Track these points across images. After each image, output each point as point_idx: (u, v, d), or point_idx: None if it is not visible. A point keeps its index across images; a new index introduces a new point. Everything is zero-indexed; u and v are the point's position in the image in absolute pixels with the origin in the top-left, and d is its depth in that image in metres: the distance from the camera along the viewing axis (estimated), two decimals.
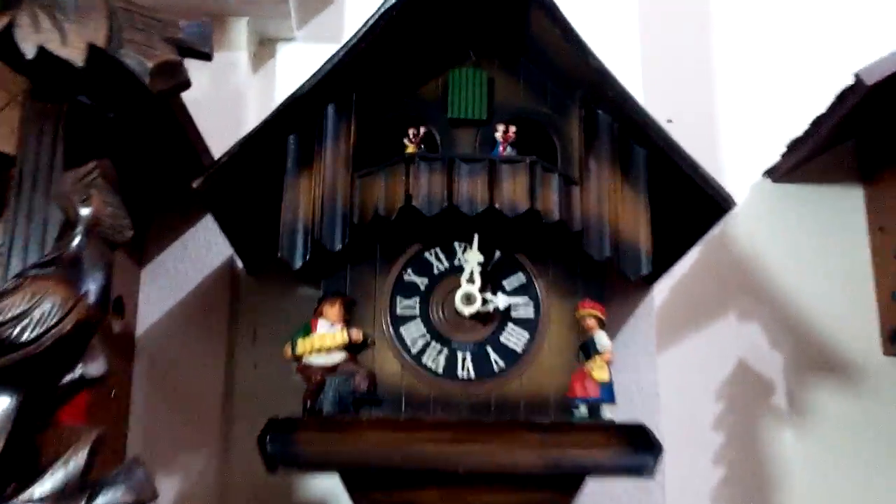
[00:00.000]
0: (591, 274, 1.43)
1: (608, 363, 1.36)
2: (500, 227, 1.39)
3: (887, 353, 1.75)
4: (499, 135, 1.41)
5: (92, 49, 1.13)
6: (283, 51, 1.81)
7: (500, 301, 1.38)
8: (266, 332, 1.64)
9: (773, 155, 1.82)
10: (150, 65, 1.14)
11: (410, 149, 1.40)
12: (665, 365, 1.72)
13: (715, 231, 1.42)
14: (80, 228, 1.16)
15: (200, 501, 1.56)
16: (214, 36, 1.67)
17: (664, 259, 1.46)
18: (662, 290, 1.80)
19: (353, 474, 1.29)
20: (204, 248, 1.67)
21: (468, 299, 1.37)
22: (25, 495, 1.05)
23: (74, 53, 1.13)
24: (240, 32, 1.75)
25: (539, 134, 1.45)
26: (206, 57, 1.19)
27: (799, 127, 1.73)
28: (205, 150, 1.53)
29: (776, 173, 1.85)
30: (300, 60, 1.80)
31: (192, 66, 1.27)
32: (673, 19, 1.96)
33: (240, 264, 1.63)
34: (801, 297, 1.79)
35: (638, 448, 1.28)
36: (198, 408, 1.59)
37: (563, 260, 1.43)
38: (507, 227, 1.38)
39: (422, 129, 1.41)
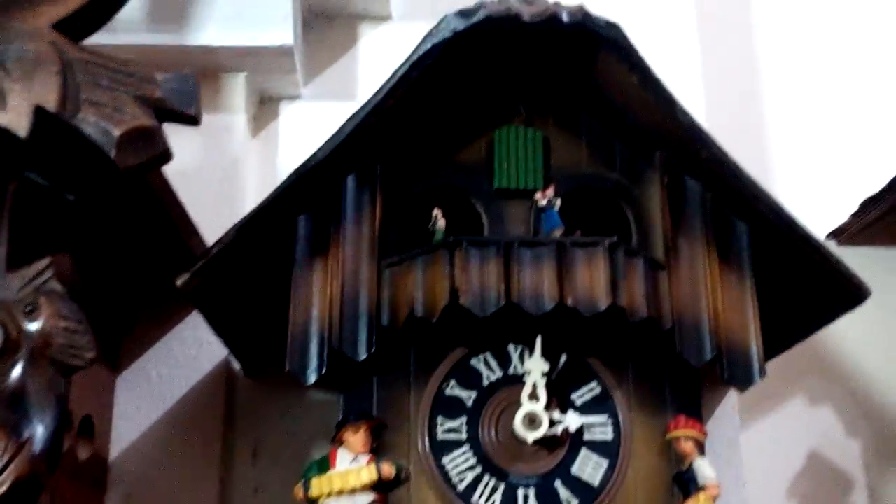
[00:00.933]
0: (684, 382, 1.17)
1: (714, 499, 1.10)
2: (565, 325, 1.13)
3: None
4: (556, 202, 1.18)
5: (39, 114, 0.88)
6: (287, 111, 1.63)
7: (572, 421, 1.12)
8: (269, 447, 1.43)
9: (835, 214, 1.64)
10: (116, 133, 0.89)
11: (438, 234, 1.18)
12: None
13: None
14: (23, 351, 0.91)
15: None
16: (206, 95, 1.54)
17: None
18: None
19: None
20: (193, 349, 1.45)
21: (532, 422, 1.10)
22: None
23: (17, 120, 0.88)
24: (236, 90, 1.55)
25: (601, 205, 1.22)
26: (192, 120, 0.94)
27: (862, 183, 1.58)
28: (193, 232, 1.29)
29: (843, 235, 1.64)
30: (307, 122, 1.61)
31: (178, 131, 1.06)
32: (726, 74, 1.77)
33: (237, 365, 1.43)
34: (879, 376, 1.62)
35: None
36: None
37: (646, 364, 1.17)
38: (576, 324, 1.12)
39: (438, 212, 1.18)
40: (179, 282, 1.09)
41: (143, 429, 1.40)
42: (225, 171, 1.51)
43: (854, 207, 1.59)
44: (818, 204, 1.66)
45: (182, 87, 0.92)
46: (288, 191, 1.13)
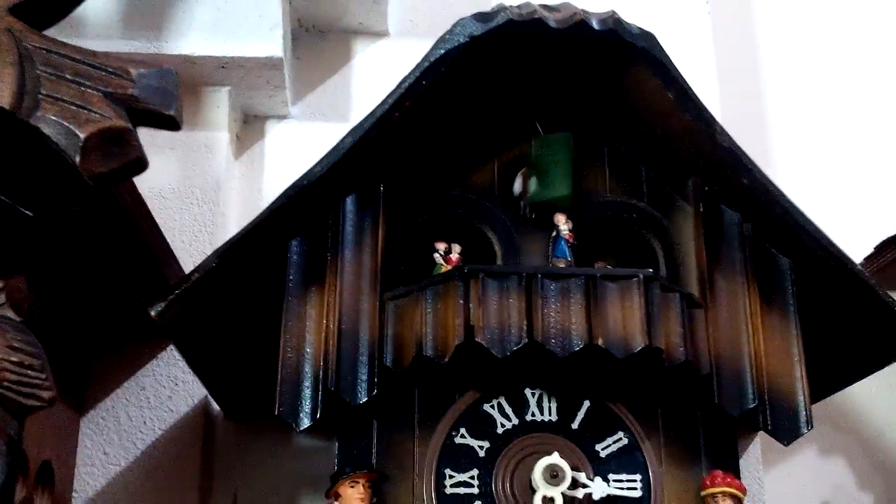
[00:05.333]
0: (719, 432, 1.06)
1: None
2: (589, 366, 1.03)
3: None
4: (563, 228, 1.07)
5: None
6: (274, 131, 1.53)
7: (598, 489, 1.01)
8: (251, 497, 1.34)
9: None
10: (82, 135, 0.75)
11: (437, 270, 1.08)
12: None
13: None
14: None
15: None
16: (186, 110, 1.40)
17: None
18: None
19: None
20: (167, 388, 1.34)
21: (554, 476, 0.98)
22: None
23: None
24: (219, 106, 1.45)
25: (624, 237, 1.13)
26: (171, 123, 0.81)
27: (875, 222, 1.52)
28: (170, 259, 1.17)
29: None
30: (295, 144, 1.52)
31: (152, 148, 0.96)
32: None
33: (216, 406, 1.32)
34: (890, 429, 1.54)
35: None
36: None
37: (678, 412, 1.06)
38: (602, 366, 1.02)
39: (455, 248, 1.09)
40: (154, 311, 0.97)
41: (110, 476, 1.31)
42: (205, 194, 1.40)
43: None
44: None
45: (160, 84, 0.80)
46: (279, 211, 1.02)
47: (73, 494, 1.28)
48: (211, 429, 1.36)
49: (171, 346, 1.32)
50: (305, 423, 0.99)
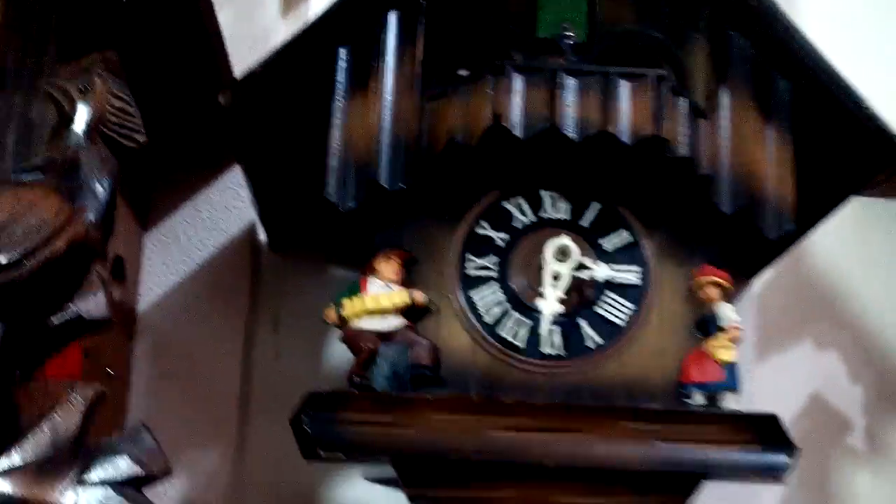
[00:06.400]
0: (713, 234, 1.16)
1: (734, 341, 1.12)
2: (599, 167, 1.15)
3: None
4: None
5: None
6: None
7: (601, 271, 1.13)
8: (290, 318, 1.43)
9: None
10: None
11: None
12: None
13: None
14: (77, 126, 0.91)
15: None
16: None
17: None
18: None
19: (412, 465, 1.08)
20: (221, 213, 1.45)
21: (563, 254, 1.12)
22: (2, 462, 0.83)
23: None
24: None
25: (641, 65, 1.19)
26: None
27: None
28: (230, 72, 1.25)
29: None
30: None
31: None
32: None
33: (262, 236, 1.41)
34: (886, 324, 1.57)
35: (768, 445, 1.08)
36: (210, 400, 1.39)
37: (677, 217, 1.17)
38: (611, 164, 1.14)
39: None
40: (222, 98, 1.09)
41: (168, 286, 1.41)
42: (255, 44, 1.40)
43: None
44: None
45: None
46: (329, 20, 1.12)
47: (139, 297, 1.39)
48: (257, 256, 1.44)
49: (226, 177, 1.42)
50: (350, 204, 1.10)
